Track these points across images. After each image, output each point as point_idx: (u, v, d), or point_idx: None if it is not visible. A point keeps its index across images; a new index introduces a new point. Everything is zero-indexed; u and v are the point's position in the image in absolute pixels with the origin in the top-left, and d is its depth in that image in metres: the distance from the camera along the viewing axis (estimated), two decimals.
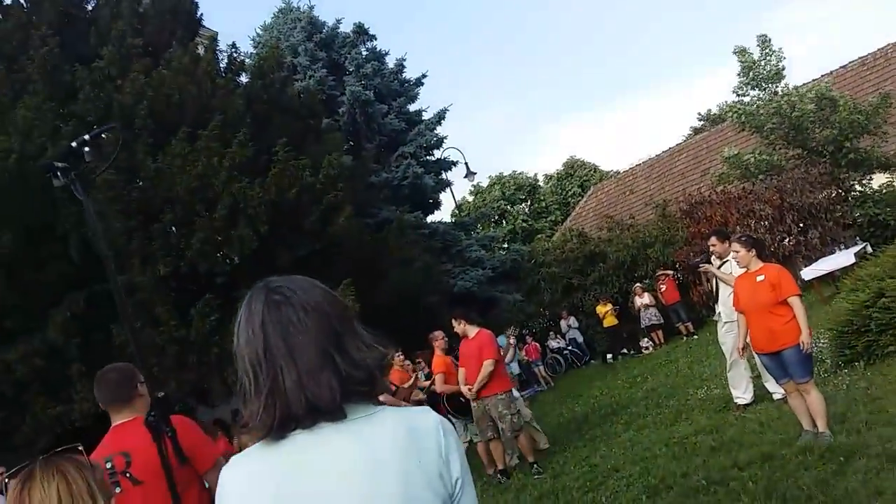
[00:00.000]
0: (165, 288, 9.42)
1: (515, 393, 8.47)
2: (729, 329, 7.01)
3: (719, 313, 7.19)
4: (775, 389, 6.70)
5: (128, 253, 9.35)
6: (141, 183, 9.67)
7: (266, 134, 10.74)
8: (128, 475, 2.75)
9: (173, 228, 9.54)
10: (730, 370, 7.17)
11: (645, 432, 7.58)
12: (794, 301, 5.19)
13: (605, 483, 6.04)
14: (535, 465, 7.23)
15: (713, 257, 7.18)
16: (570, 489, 6.21)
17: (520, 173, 41.07)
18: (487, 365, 7.15)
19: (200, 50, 11.80)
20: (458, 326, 7.54)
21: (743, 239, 5.59)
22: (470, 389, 7.22)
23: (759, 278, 5.34)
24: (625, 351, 16.78)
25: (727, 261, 6.90)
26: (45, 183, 9.23)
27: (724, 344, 7.20)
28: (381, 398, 5.58)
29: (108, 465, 2.74)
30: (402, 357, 9.02)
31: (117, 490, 2.72)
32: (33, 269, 9.11)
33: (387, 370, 1.31)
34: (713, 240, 7.15)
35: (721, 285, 6.97)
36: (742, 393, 7.07)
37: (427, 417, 1.28)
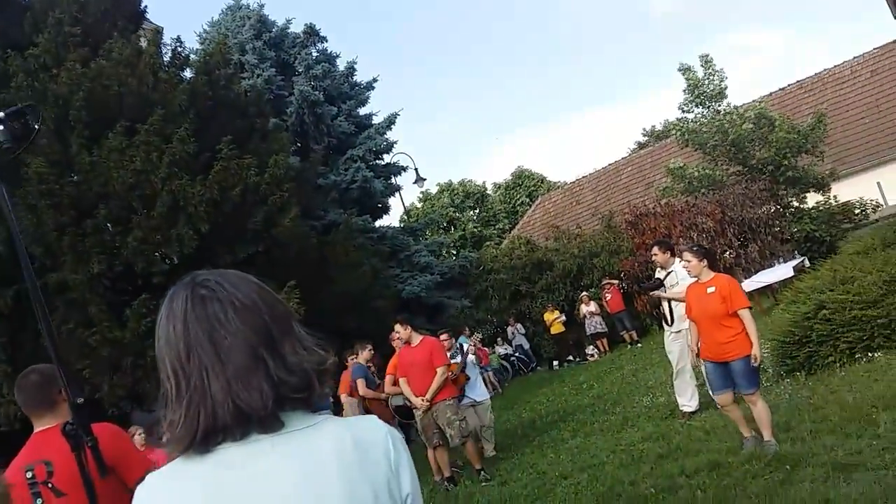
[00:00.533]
0: (99, 287, 8.99)
1: (485, 395, 8.34)
2: (675, 338, 7.06)
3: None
4: None
5: (60, 250, 8.90)
6: (75, 177, 9.20)
7: (210, 131, 10.37)
8: (49, 486, 2.54)
9: (108, 226, 9.09)
10: (676, 378, 7.22)
11: (592, 439, 7.56)
12: (745, 314, 5.24)
13: (553, 491, 5.97)
14: (482, 472, 7.12)
15: (657, 269, 7.25)
16: (518, 497, 6.12)
17: (469, 181, 41.24)
18: (442, 372, 7.03)
19: (143, 43, 11.35)
20: (403, 332, 7.36)
21: (695, 249, 5.63)
22: (423, 400, 7.05)
23: (710, 290, 5.37)
24: (570, 358, 16.87)
25: (671, 271, 6.98)
26: None
27: (670, 353, 7.25)
28: (362, 392, 5.41)
29: (29, 475, 2.55)
30: (371, 351, 8.69)
31: (38, 502, 2.52)
32: None
33: (327, 375, 1.15)
34: (655, 250, 7.22)
35: (674, 305, 7.03)
36: (688, 401, 7.13)
37: (375, 428, 1.15)
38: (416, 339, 7.32)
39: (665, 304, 7.12)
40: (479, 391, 8.18)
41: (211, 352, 1.04)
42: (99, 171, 9.14)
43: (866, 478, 4.09)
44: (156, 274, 9.08)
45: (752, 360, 5.14)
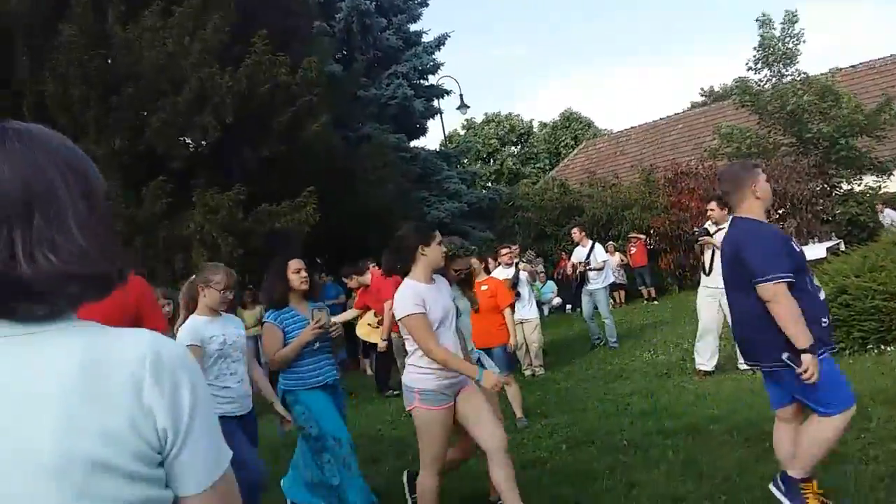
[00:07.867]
0: (118, 163, 8.98)
1: (534, 314, 8.58)
2: (710, 295, 6.85)
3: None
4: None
5: (84, 121, 8.88)
6: (106, 52, 9.08)
7: (250, 26, 10.10)
8: None
9: (134, 103, 9.00)
10: (699, 336, 7.06)
11: (583, 385, 7.50)
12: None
13: (529, 427, 5.93)
14: None
15: (709, 222, 7.02)
16: None
17: (516, 115, 40.42)
18: None
19: None
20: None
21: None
22: None
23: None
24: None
25: (722, 228, 6.79)
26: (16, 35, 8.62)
27: (700, 309, 7.08)
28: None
29: None
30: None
31: None
32: None
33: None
34: (713, 205, 6.97)
35: (716, 257, 6.82)
36: (706, 360, 6.99)
37: (128, 347, 0.87)
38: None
39: (707, 254, 6.95)
40: (527, 310, 8.31)
41: None
42: (131, 49, 9.01)
43: (843, 469, 3.93)
44: (176, 158, 9.04)
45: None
